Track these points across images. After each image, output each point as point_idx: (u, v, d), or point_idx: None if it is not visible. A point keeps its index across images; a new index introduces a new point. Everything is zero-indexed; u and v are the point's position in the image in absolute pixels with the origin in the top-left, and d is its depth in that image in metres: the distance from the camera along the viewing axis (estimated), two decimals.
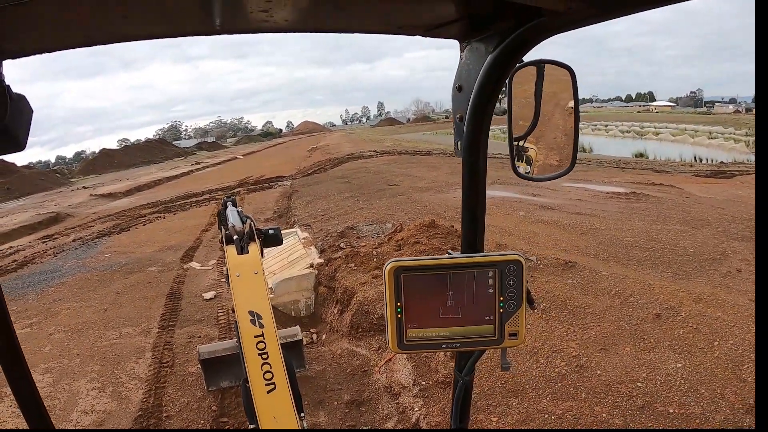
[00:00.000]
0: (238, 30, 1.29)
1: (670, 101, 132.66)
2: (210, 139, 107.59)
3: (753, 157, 29.43)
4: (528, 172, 1.61)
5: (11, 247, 14.57)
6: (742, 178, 18.26)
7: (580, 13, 1.15)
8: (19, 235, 16.41)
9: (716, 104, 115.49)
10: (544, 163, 1.62)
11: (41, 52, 1.19)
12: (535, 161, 1.61)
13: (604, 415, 4.27)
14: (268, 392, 2.36)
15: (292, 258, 8.59)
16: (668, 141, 45.53)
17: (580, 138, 1.61)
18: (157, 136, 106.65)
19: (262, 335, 2.47)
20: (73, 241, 14.15)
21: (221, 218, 3.70)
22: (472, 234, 1.55)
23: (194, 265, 10.41)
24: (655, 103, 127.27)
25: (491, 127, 1.44)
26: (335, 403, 5.32)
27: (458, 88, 1.46)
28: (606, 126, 62.00)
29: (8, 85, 1.04)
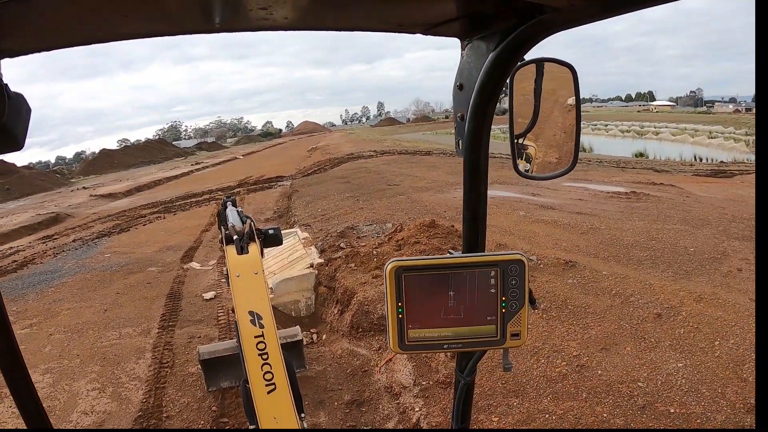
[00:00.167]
0: (237, 28, 1.28)
1: (670, 101, 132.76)
2: (210, 140, 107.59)
3: (753, 157, 29.42)
4: (529, 171, 1.60)
5: (11, 247, 14.57)
6: (742, 177, 18.24)
7: (581, 11, 1.15)
8: (19, 235, 16.40)
9: (716, 104, 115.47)
10: (546, 162, 1.61)
11: (39, 51, 1.19)
12: (536, 160, 1.60)
13: (605, 415, 4.26)
14: (269, 393, 2.35)
15: (292, 258, 8.58)
16: (668, 140, 45.51)
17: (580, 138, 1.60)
18: (157, 137, 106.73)
19: (262, 335, 2.46)
20: (73, 241, 14.15)
21: (221, 218, 3.69)
22: (474, 233, 1.54)
23: (194, 265, 10.41)
24: (654, 103, 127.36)
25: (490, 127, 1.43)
26: (335, 403, 5.32)
27: (459, 87, 1.45)
28: (606, 126, 61.98)
29: (6, 84, 1.03)
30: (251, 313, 2.52)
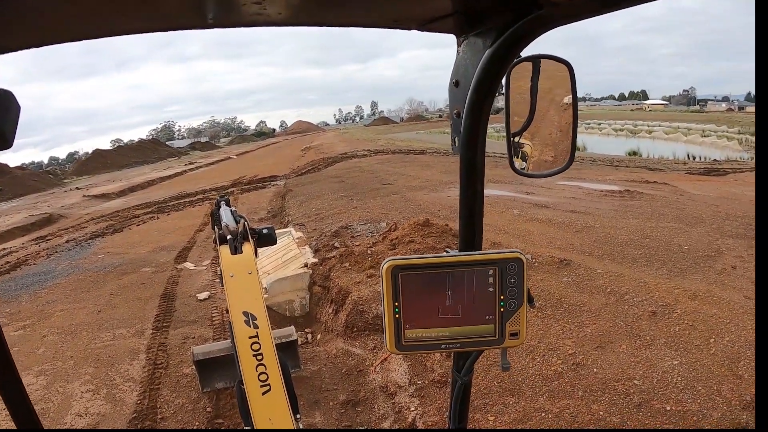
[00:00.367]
0: (230, 24, 1.26)
1: (663, 100, 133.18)
2: (203, 139, 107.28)
3: (746, 155, 29.59)
4: (525, 169, 1.59)
5: (4, 248, 14.47)
6: (735, 175, 18.32)
7: (579, 6, 1.13)
8: (12, 236, 16.31)
9: (709, 102, 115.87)
10: (542, 160, 1.60)
11: (29, 47, 1.17)
12: (530, 157, 1.59)
13: (602, 413, 4.26)
14: (263, 394, 2.34)
15: (287, 258, 8.56)
16: (661, 139, 45.62)
17: None
18: (151, 137, 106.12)
19: (257, 336, 2.45)
20: (67, 242, 14.07)
21: (215, 218, 3.67)
22: (470, 231, 1.52)
23: (188, 265, 10.37)
24: (648, 102, 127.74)
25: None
26: (331, 403, 5.30)
27: (455, 84, 1.43)
28: (599, 124, 62.04)
29: None
30: (245, 313, 2.51)
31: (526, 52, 1.31)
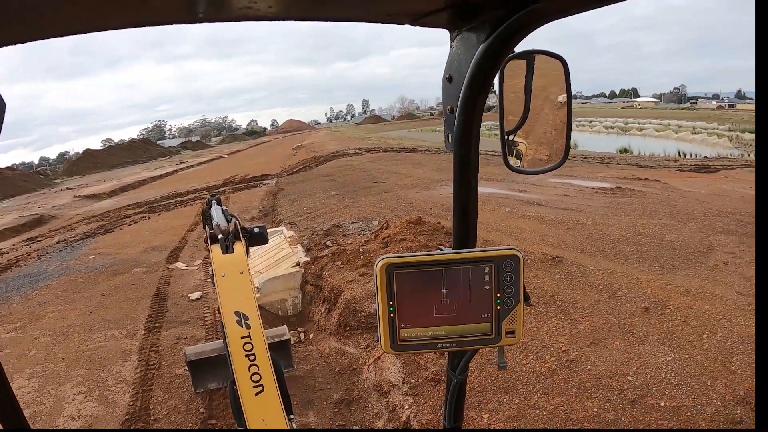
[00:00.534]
0: (221, 18, 1.24)
1: (654, 97, 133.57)
2: (194, 139, 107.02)
3: (736, 152, 29.78)
4: (519, 166, 1.58)
5: None
6: (726, 172, 18.41)
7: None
8: (2, 237, 16.18)
9: (699, 100, 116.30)
10: (536, 157, 1.59)
11: (14, 43, 1.14)
12: (525, 155, 1.57)
13: (596, 409, 4.26)
14: (257, 394, 2.32)
15: (279, 257, 8.54)
16: (652, 136, 45.77)
17: None
18: (141, 136, 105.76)
19: (249, 336, 2.43)
20: (58, 243, 13.99)
21: (206, 217, 3.65)
22: (464, 229, 1.51)
23: (180, 265, 10.33)
24: (638, 99, 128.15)
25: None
26: (324, 402, 5.29)
27: (449, 79, 1.41)
28: (590, 122, 62.22)
29: None
30: (237, 313, 2.49)
31: (519, 48, 1.30)
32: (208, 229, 3.20)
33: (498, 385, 4.73)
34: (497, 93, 1.42)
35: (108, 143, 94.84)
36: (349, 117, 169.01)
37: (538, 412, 4.35)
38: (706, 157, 27.03)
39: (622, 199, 11.66)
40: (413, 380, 5.08)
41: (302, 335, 6.80)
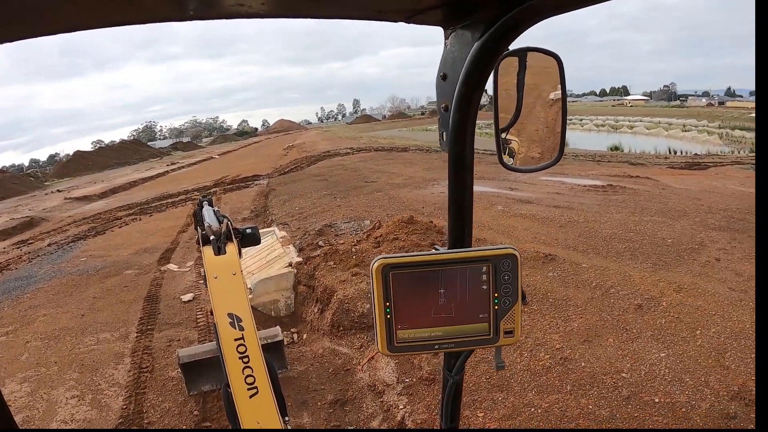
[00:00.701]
0: (212, 16, 1.22)
1: (644, 95, 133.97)
2: (185, 139, 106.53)
3: (726, 149, 29.96)
4: (514, 164, 1.57)
5: None
6: (716, 169, 18.52)
7: None
8: None
9: (689, 98, 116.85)
10: (531, 154, 1.58)
11: (1, 42, 1.12)
12: (517, 153, 1.57)
13: (591, 406, 4.27)
14: (251, 396, 2.30)
15: (271, 257, 8.51)
16: (643, 134, 46.03)
17: None
18: (132, 137, 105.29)
19: (243, 338, 2.41)
20: (48, 245, 13.91)
21: (197, 218, 3.62)
22: (460, 228, 1.49)
23: (172, 266, 10.28)
24: (629, 97, 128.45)
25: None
26: (319, 403, 5.27)
27: (443, 77, 1.40)
28: (581, 120, 62.39)
29: None
30: (230, 315, 2.47)
31: (513, 46, 1.29)
32: (199, 230, 3.18)
33: (493, 383, 4.73)
34: (492, 91, 1.41)
35: (98, 145, 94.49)
36: (340, 117, 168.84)
37: (533, 410, 4.35)
38: (696, 154, 27.21)
39: (614, 197, 11.69)
40: (407, 380, 5.07)
41: (295, 336, 6.78)
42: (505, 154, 1.53)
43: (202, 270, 3.29)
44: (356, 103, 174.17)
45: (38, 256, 12.78)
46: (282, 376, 5.51)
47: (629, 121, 56.46)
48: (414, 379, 5.05)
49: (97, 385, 5.87)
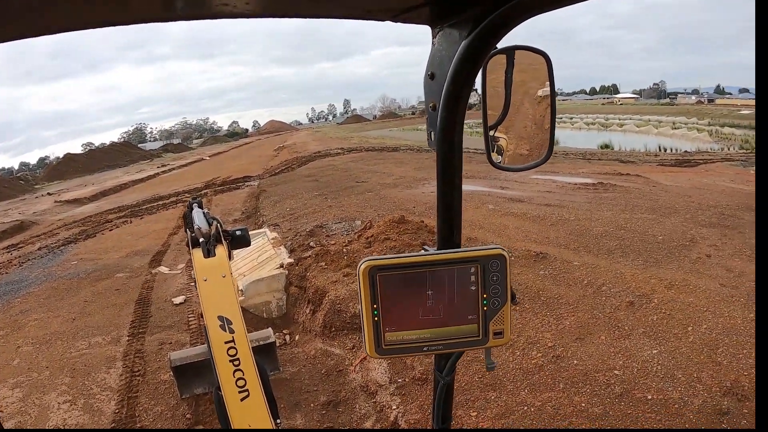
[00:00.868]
0: (199, 16, 1.21)
1: (634, 93, 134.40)
2: (176, 141, 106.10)
3: (716, 146, 30.14)
4: (502, 163, 1.56)
5: None
6: (706, 166, 18.63)
7: None
8: None
9: (679, 95, 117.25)
10: (520, 153, 1.57)
11: None
12: (505, 151, 1.56)
13: (584, 404, 4.27)
14: (242, 399, 2.29)
15: (262, 259, 8.50)
16: (633, 132, 46.21)
17: None
18: (122, 139, 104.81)
19: (233, 341, 2.40)
20: (39, 249, 13.84)
21: (187, 221, 3.61)
22: (448, 228, 1.48)
23: (163, 269, 10.24)
24: (619, 96, 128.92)
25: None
26: (312, 404, 5.26)
27: (431, 76, 1.39)
28: (571, 119, 62.51)
29: None
30: (220, 317, 2.46)
31: (501, 44, 1.28)
32: (189, 232, 3.17)
33: (485, 382, 4.73)
34: (480, 89, 1.40)
35: (89, 147, 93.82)
36: (330, 117, 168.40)
37: (526, 408, 4.35)
38: (686, 151, 27.33)
39: (605, 195, 11.73)
40: (400, 380, 5.07)
41: (287, 337, 6.77)
42: (494, 152, 1.52)
43: (192, 272, 3.28)
44: (347, 103, 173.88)
45: (29, 260, 12.70)
46: (274, 377, 5.50)
47: (619, 119, 56.72)
48: (407, 379, 5.04)
49: (89, 389, 5.84)
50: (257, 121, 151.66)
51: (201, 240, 2.90)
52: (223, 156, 48.14)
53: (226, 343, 2.39)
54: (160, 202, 19.81)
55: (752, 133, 34.85)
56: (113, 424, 5.17)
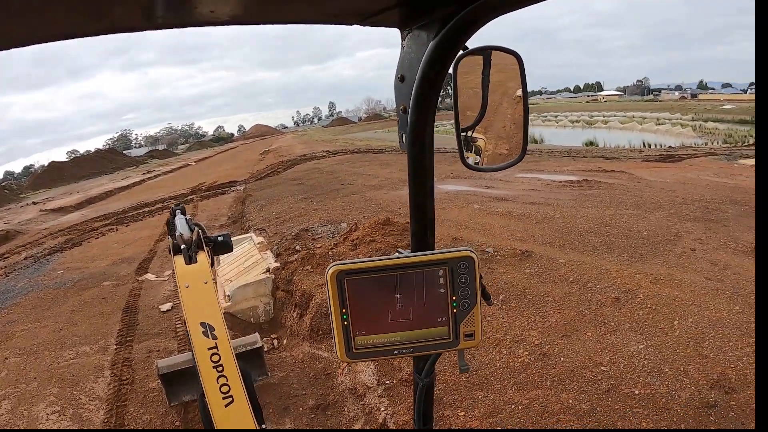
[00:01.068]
0: (176, 24, 1.21)
1: (618, 90, 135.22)
2: (161, 147, 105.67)
3: (699, 141, 30.38)
4: (477, 163, 1.56)
5: None
6: (690, 161, 18.77)
7: None
8: None
9: (662, 91, 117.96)
10: (494, 153, 1.57)
11: None
12: (484, 151, 1.56)
13: (571, 401, 4.29)
14: (226, 405, 2.29)
15: (249, 263, 8.48)
16: (617, 129, 46.46)
17: (531, 129, 1.57)
18: (107, 146, 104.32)
19: (216, 347, 2.39)
20: (25, 259, 13.73)
21: (170, 227, 3.60)
22: (422, 231, 1.48)
23: (149, 276, 10.19)
24: (603, 93, 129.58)
25: (442, 122, 1.38)
26: (300, 408, 5.26)
27: (401, 79, 1.39)
28: (556, 117, 62.79)
29: None
30: (203, 324, 2.45)
31: (474, 44, 1.29)
32: (171, 239, 3.16)
33: (473, 382, 4.74)
34: (451, 90, 1.41)
35: (74, 155, 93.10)
36: (316, 120, 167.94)
37: (513, 407, 4.37)
38: (670, 146, 27.52)
39: (589, 192, 11.77)
40: (388, 382, 5.07)
41: (275, 342, 6.76)
42: (470, 152, 1.52)
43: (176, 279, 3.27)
44: (332, 105, 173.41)
45: (14, 270, 12.61)
46: (263, 382, 5.50)
47: (604, 117, 57.02)
48: (394, 381, 5.05)
49: (78, 399, 5.81)
50: (243, 126, 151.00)
51: (183, 246, 2.89)
52: (208, 161, 47.98)
53: (209, 349, 2.39)
54: (146, 209, 19.72)
55: (735, 127, 35.22)
56: None
